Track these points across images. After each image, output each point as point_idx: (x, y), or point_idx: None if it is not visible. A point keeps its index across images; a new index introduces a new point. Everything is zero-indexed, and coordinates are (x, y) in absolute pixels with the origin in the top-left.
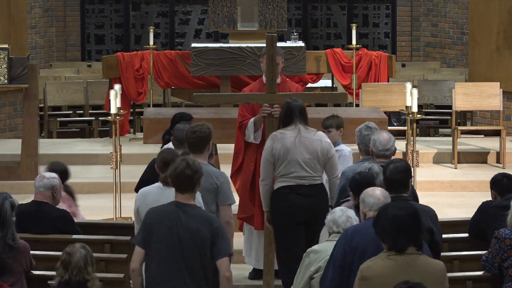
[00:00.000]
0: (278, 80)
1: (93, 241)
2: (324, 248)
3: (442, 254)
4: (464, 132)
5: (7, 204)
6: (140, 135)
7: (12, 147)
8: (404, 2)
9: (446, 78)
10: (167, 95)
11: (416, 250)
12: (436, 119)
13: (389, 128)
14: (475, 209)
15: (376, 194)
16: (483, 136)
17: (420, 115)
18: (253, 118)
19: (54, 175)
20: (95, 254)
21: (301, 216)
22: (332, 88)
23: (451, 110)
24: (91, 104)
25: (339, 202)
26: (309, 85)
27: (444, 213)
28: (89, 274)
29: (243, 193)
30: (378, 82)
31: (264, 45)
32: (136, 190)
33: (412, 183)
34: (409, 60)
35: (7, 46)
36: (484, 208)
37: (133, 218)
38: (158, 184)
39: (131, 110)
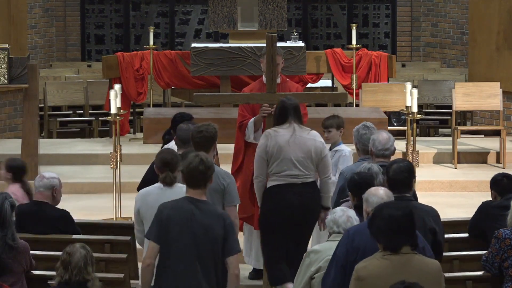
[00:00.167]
0: (278, 80)
1: (93, 241)
2: (324, 248)
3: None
4: (464, 132)
5: (7, 204)
6: (140, 135)
7: (12, 147)
8: (404, 2)
9: (446, 78)
10: (167, 95)
11: (411, 250)
12: (436, 119)
13: (389, 128)
14: (475, 209)
15: (379, 194)
16: (483, 136)
17: (420, 115)
18: (253, 118)
19: (54, 175)
20: (95, 254)
21: (293, 214)
22: (332, 88)
23: (451, 110)
24: (91, 104)
25: (338, 202)
26: (309, 85)
27: (444, 213)
28: (89, 274)
29: (243, 193)
30: (378, 82)
31: (264, 45)
32: (139, 190)
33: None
34: (409, 60)
35: (7, 46)
36: (484, 208)
37: (133, 218)
38: (158, 185)
39: (131, 110)
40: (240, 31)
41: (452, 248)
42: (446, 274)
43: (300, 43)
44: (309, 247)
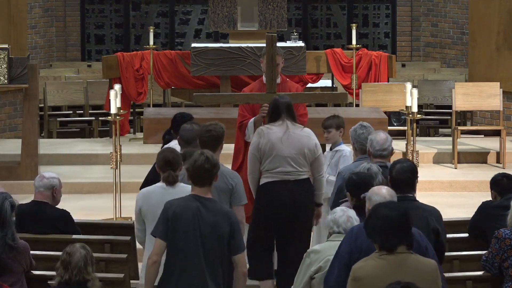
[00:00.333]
0: (278, 80)
1: (93, 241)
2: (324, 248)
3: None
4: (464, 132)
5: (7, 204)
6: (140, 135)
7: (12, 147)
8: (404, 2)
9: (446, 78)
10: (167, 95)
11: (407, 250)
12: (436, 119)
13: (389, 128)
14: (475, 209)
15: (382, 193)
16: (483, 136)
17: (420, 115)
18: (253, 118)
19: (53, 175)
20: (95, 254)
21: (284, 212)
22: (332, 88)
23: (451, 110)
24: (91, 104)
25: (336, 202)
26: (309, 85)
27: (444, 213)
28: (89, 274)
29: None
30: (378, 82)
31: (264, 45)
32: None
33: None
34: (409, 60)
35: (7, 46)
36: (484, 208)
37: (133, 218)
38: (160, 184)
39: (131, 110)
40: (240, 31)
41: (452, 248)
42: (446, 274)
43: (300, 43)
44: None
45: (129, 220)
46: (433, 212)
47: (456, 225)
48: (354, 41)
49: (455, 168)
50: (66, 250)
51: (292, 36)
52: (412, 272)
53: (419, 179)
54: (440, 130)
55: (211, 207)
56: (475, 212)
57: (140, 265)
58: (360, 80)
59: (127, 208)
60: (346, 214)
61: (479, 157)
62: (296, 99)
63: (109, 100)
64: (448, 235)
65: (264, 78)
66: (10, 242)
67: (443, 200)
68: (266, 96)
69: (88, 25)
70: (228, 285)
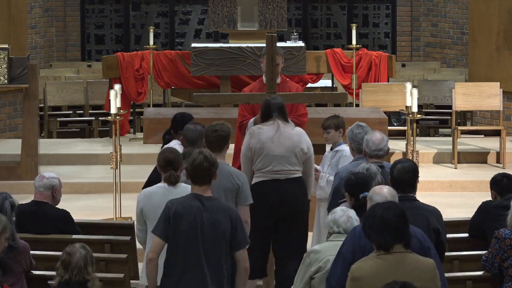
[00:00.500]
0: (278, 80)
1: (93, 241)
2: (324, 248)
3: None
4: (464, 132)
5: (7, 204)
6: (140, 135)
7: (12, 147)
8: (404, 2)
9: (446, 78)
10: (167, 95)
11: (405, 249)
12: (436, 119)
13: (389, 128)
14: (475, 209)
15: (383, 192)
16: (483, 136)
17: (420, 115)
18: (253, 118)
19: (53, 175)
20: (95, 254)
21: (275, 211)
22: (332, 88)
23: (451, 110)
24: (91, 104)
25: (333, 203)
26: (309, 85)
27: (444, 213)
28: (89, 274)
29: None
30: (378, 82)
31: (264, 45)
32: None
33: None
34: (409, 60)
35: (7, 46)
36: (484, 208)
37: (133, 218)
38: (162, 184)
39: (131, 110)
40: (240, 31)
41: (452, 248)
42: (446, 274)
43: (300, 43)
44: (309, 247)
45: (129, 220)
46: (434, 212)
47: (456, 225)
48: (354, 41)
49: (455, 168)
50: (66, 250)
51: (292, 36)
52: (410, 271)
53: (419, 179)
54: (440, 130)
55: (211, 205)
56: (475, 212)
57: (140, 265)
58: (360, 80)
59: (127, 208)
60: (346, 214)
61: (479, 157)
62: (296, 99)
63: (109, 100)
64: (448, 235)
65: (264, 78)
66: (10, 242)
67: (443, 200)
68: (266, 96)
69: (88, 25)
70: (233, 281)
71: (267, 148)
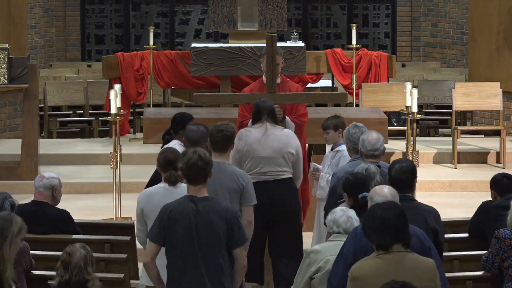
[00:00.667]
0: (278, 80)
1: (93, 241)
2: (324, 248)
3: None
4: (464, 132)
5: (7, 204)
6: (140, 135)
7: (12, 147)
8: (404, 2)
9: (446, 78)
10: (167, 95)
11: (404, 248)
12: (436, 119)
13: (389, 128)
14: (475, 209)
15: (384, 192)
16: (483, 136)
17: (420, 115)
18: None
19: (53, 175)
20: (95, 254)
21: (267, 212)
22: (332, 88)
23: (451, 110)
24: (91, 104)
25: (330, 203)
26: (309, 85)
27: (444, 213)
28: (89, 274)
29: None
30: (378, 82)
31: (264, 45)
32: None
33: None
34: (409, 60)
35: (7, 46)
36: (484, 208)
37: (133, 218)
38: (162, 185)
39: (131, 110)
40: (240, 31)
41: (452, 248)
42: (446, 274)
43: (300, 43)
44: (309, 247)
45: (129, 220)
46: (432, 212)
47: (456, 225)
48: (354, 41)
49: (455, 168)
50: (66, 250)
51: (292, 36)
52: (410, 271)
53: (419, 179)
54: (440, 130)
55: (206, 206)
56: (475, 212)
57: (140, 265)
58: (360, 80)
59: (127, 208)
60: (346, 214)
61: (479, 157)
62: (296, 99)
63: (109, 100)
64: (448, 235)
65: (264, 78)
66: None
67: (443, 200)
68: (266, 96)
69: (88, 25)
70: (230, 282)
71: (254, 150)
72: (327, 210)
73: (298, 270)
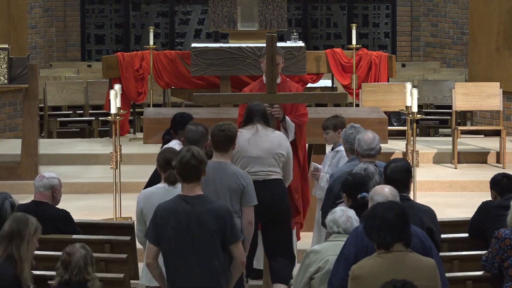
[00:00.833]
0: (278, 80)
1: (93, 241)
2: (324, 248)
3: (442, 254)
4: (464, 132)
5: (7, 204)
6: (140, 135)
7: (12, 147)
8: (404, 2)
9: (446, 78)
10: (167, 95)
11: (405, 248)
12: (436, 119)
13: (389, 128)
14: (475, 209)
15: (384, 192)
16: (483, 136)
17: (420, 115)
18: None
19: (53, 175)
20: (95, 254)
21: (256, 212)
22: (332, 88)
23: (451, 110)
24: (91, 104)
25: (327, 203)
26: (309, 85)
27: (444, 213)
28: (89, 274)
29: None
30: (378, 82)
31: (264, 45)
32: None
33: (412, 183)
34: (409, 60)
35: (7, 46)
36: (484, 208)
37: (133, 218)
38: (162, 185)
39: (131, 110)
40: (240, 31)
41: (452, 248)
42: (446, 274)
43: (300, 43)
44: (309, 247)
45: (129, 220)
46: (428, 212)
47: (456, 225)
48: (354, 41)
49: (455, 168)
50: (66, 250)
51: (292, 36)
52: (411, 270)
53: (419, 179)
54: (440, 130)
55: (198, 205)
56: (475, 212)
57: (140, 265)
58: (360, 80)
59: (127, 208)
60: (345, 214)
61: (479, 157)
62: (296, 99)
63: (109, 100)
64: (448, 235)
65: (264, 78)
66: None
67: (443, 200)
68: (266, 96)
69: (88, 25)
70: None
71: (244, 150)
72: (324, 210)
73: (298, 270)
